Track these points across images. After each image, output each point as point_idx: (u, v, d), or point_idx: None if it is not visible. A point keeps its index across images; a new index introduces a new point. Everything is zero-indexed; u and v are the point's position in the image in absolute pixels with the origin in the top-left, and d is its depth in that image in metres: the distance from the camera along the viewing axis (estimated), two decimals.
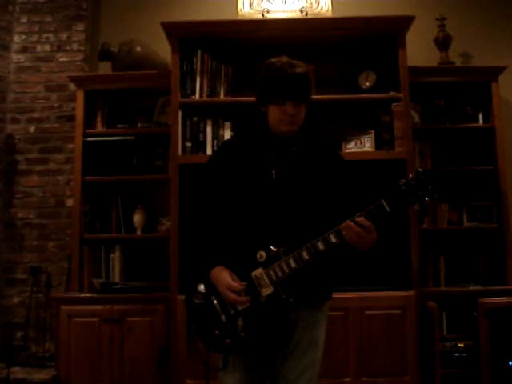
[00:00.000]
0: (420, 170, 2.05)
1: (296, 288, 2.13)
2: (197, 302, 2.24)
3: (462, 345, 3.79)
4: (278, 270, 2.12)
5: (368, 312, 3.74)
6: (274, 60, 2.22)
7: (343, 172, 2.32)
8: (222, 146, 2.58)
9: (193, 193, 2.40)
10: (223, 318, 2.17)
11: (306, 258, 2.09)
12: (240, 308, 2.16)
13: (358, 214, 2.04)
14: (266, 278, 2.13)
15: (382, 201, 2.03)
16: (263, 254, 2.15)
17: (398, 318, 3.73)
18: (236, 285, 2.14)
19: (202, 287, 2.24)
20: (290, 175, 2.23)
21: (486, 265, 4.14)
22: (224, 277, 2.16)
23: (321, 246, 2.08)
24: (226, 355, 2.20)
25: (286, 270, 2.11)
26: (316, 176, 2.24)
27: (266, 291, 2.13)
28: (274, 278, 2.12)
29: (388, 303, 3.75)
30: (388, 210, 2.02)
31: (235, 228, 2.26)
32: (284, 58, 2.22)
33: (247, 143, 2.35)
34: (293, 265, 2.10)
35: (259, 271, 2.14)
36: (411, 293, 3.76)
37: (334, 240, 2.07)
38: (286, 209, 2.20)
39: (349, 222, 2.03)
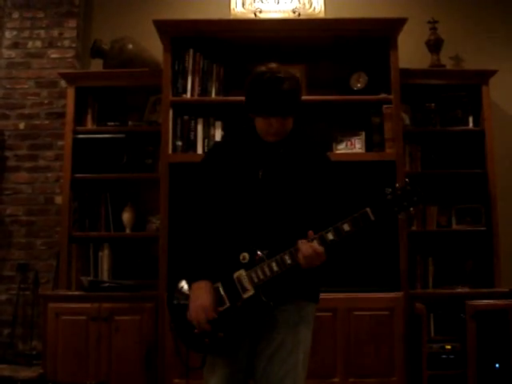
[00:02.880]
0: (407, 180, 2.06)
1: (277, 291, 2.13)
2: (176, 302, 2.24)
3: (449, 347, 3.80)
4: (259, 272, 2.12)
5: (356, 313, 3.74)
6: (262, 70, 2.17)
7: (330, 175, 2.31)
8: (213, 148, 2.58)
9: (183, 193, 2.39)
10: None
11: (289, 262, 2.09)
12: (221, 309, 2.14)
13: (342, 222, 2.05)
14: (247, 279, 2.13)
15: (367, 209, 2.05)
16: (246, 255, 2.15)
17: (385, 319, 3.74)
18: (212, 313, 2.12)
19: (184, 287, 2.23)
20: (277, 177, 2.23)
21: (474, 267, 4.16)
22: (207, 296, 2.14)
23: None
24: (205, 354, 2.20)
25: (268, 273, 2.11)
26: (302, 178, 2.24)
27: (247, 293, 2.13)
28: (256, 280, 2.12)
29: (376, 304, 3.76)
30: (372, 218, 2.04)
31: (221, 229, 2.25)
32: (273, 67, 2.17)
33: (237, 144, 2.35)
34: (275, 268, 2.10)
35: (241, 273, 2.14)
36: (399, 294, 3.76)
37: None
38: (271, 210, 2.20)
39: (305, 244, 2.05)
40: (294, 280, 2.16)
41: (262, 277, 2.11)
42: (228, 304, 2.15)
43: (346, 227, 2.05)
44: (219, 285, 2.17)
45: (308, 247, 2.05)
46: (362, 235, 2.09)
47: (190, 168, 2.41)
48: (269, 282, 2.11)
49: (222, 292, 2.16)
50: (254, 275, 2.12)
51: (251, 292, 2.13)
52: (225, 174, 2.27)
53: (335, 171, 2.34)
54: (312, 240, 2.07)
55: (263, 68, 2.19)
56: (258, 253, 2.13)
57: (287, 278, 2.13)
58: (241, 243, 2.17)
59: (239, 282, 2.14)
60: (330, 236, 2.07)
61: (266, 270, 2.11)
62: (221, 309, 2.15)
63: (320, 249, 2.05)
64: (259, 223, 2.18)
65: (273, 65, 2.20)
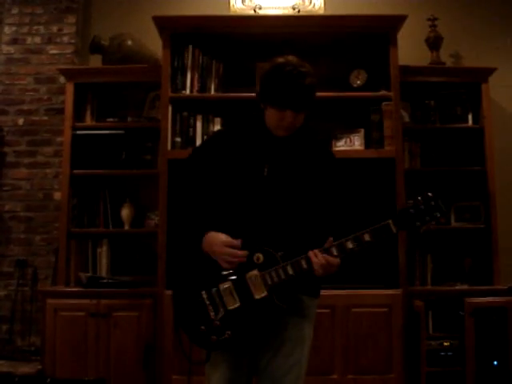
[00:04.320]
0: (430, 194, 2.03)
1: (290, 294, 2.12)
2: (185, 292, 2.22)
3: (447, 344, 3.80)
4: (274, 274, 2.10)
5: (355, 310, 3.74)
6: (283, 62, 2.14)
7: (336, 174, 2.29)
8: (215, 135, 2.54)
9: (182, 182, 2.35)
10: (212, 314, 2.15)
11: (305, 266, 2.08)
12: (231, 308, 2.13)
13: (362, 232, 2.03)
14: (261, 281, 2.11)
15: (389, 221, 2.03)
16: (260, 256, 2.12)
17: (384, 316, 3.74)
18: (232, 240, 2.13)
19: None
20: (282, 174, 2.21)
21: (472, 264, 4.16)
22: (218, 235, 2.15)
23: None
24: (209, 351, 2.19)
25: (283, 276, 2.09)
26: (308, 176, 2.21)
27: (260, 294, 2.11)
28: (270, 282, 2.10)
29: (375, 301, 3.76)
30: (394, 231, 2.02)
31: (226, 224, 2.22)
32: (293, 60, 2.14)
33: (241, 136, 2.31)
34: (290, 272, 2.08)
35: (254, 273, 2.12)
36: (398, 291, 3.77)
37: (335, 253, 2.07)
38: (278, 209, 2.17)
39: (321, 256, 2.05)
40: (301, 280, 2.14)
41: (276, 279, 2.09)
42: (239, 303, 2.14)
43: (367, 237, 2.03)
44: (230, 284, 2.15)
45: (321, 259, 2.04)
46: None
47: (190, 155, 2.40)
48: (282, 284, 2.10)
49: (234, 291, 2.14)
50: (267, 277, 2.10)
51: (264, 293, 2.11)
52: (228, 165, 2.24)
53: (341, 170, 2.32)
54: (331, 247, 2.05)
55: (283, 59, 2.15)
56: (273, 253, 2.11)
57: (296, 278, 2.12)
58: (252, 243, 2.14)
59: (252, 282, 2.12)
60: (350, 245, 2.05)
61: (281, 272, 2.09)
62: (231, 308, 2.14)
63: (333, 260, 2.04)
64: (268, 222, 2.16)
65: (292, 57, 2.16)
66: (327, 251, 2.06)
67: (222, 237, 2.15)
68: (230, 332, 2.13)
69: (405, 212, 2.03)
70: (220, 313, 2.15)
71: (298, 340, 2.20)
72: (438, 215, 2.01)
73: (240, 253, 2.12)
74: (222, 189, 2.25)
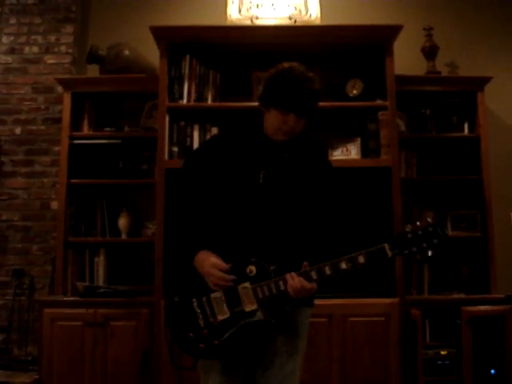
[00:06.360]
0: (429, 220, 2.02)
1: (279, 309, 2.11)
2: (176, 300, 2.22)
3: (444, 352, 3.80)
4: (265, 288, 2.09)
5: (352, 319, 3.74)
6: (288, 66, 2.17)
7: (332, 183, 2.29)
8: (210, 141, 2.54)
9: (178, 190, 2.34)
10: (201, 322, 2.15)
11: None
12: (220, 318, 2.14)
13: (357, 253, 2.02)
14: (252, 293, 2.11)
15: (385, 245, 2.01)
16: (253, 268, 2.12)
17: (381, 325, 3.74)
18: (222, 263, 2.12)
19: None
20: (278, 181, 2.20)
21: (469, 273, 4.17)
22: (209, 256, 2.14)
23: (314, 275, 2.05)
24: (196, 358, 2.19)
25: (274, 291, 2.08)
26: (304, 185, 2.21)
27: (250, 307, 2.11)
28: (261, 296, 2.09)
29: (372, 310, 3.76)
30: (389, 255, 2.01)
31: (220, 233, 2.23)
32: (299, 66, 2.17)
33: (237, 141, 2.31)
34: (282, 287, 2.07)
35: (246, 285, 2.12)
36: (395, 300, 3.76)
37: (315, 277, 2.06)
38: (273, 219, 2.17)
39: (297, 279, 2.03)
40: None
41: (267, 293, 2.09)
42: (228, 314, 2.13)
43: (361, 259, 2.03)
44: (221, 294, 2.14)
45: (297, 282, 2.03)
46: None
47: (186, 158, 2.39)
48: (273, 299, 2.09)
49: (224, 302, 2.14)
50: (259, 290, 2.09)
51: (254, 307, 2.10)
52: (223, 170, 2.24)
53: (338, 179, 2.32)
54: (324, 266, 2.04)
55: (289, 65, 2.18)
56: (266, 267, 2.10)
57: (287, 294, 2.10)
58: (244, 253, 2.13)
59: (243, 294, 2.12)
60: (344, 265, 2.04)
61: (273, 287, 2.08)
62: (220, 318, 2.14)
63: (308, 285, 2.03)
64: (263, 233, 2.15)
65: (297, 64, 2.19)
66: (320, 269, 2.04)
67: (212, 259, 2.14)
68: (217, 342, 2.13)
69: (402, 237, 2.01)
70: (209, 322, 2.15)
71: (292, 350, 2.20)
72: (436, 242, 1.98)
73: (228, 277, 2.11)
74: (217, 196, 2.25)
